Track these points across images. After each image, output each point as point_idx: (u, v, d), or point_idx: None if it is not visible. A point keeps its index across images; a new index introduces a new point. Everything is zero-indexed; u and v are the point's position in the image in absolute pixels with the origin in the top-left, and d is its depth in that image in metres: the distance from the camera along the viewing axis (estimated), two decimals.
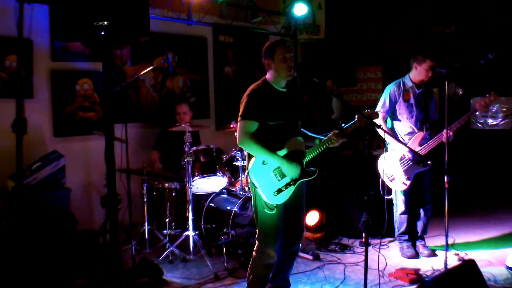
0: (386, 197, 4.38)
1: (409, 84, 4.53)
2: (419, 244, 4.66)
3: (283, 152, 3.25)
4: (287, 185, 3.25)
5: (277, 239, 3.30)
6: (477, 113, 4.54)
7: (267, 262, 3.32)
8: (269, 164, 3.25)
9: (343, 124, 3.29)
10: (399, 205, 4.60)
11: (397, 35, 7.80)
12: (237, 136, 3.25)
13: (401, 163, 4.46)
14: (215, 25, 6.37)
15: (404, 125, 4.53)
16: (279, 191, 3.23)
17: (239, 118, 3.24)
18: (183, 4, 5.71)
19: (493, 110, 7.19)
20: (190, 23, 5.79)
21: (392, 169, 4.49)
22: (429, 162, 4.39)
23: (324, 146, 3.31)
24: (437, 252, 4.61)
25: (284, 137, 3.28)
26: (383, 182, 4.44)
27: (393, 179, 4.48)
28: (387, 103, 4.53)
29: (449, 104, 3.90)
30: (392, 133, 4.55)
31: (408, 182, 4.43)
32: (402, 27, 7.76)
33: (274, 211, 3.23)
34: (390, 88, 4.58)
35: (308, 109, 7.48)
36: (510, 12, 6.93)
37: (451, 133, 4.18)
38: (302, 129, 3.51)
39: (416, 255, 4.55)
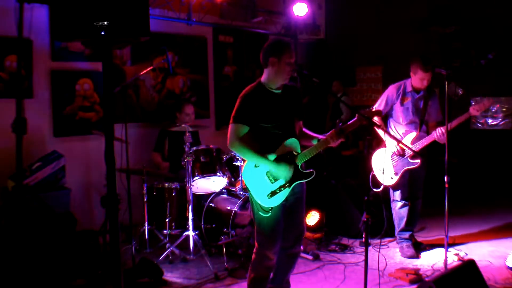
0: (374, 189, 4.41)
1: (409, 88, 4.56)
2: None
3: (275, 154, 3.23)
4: (281, 187, 3.23)
5: (275, 242, 3.27)
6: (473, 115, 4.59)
7: (266, 264, 3.31)
8: (261, 167, 3.24)
9: (340, 124, 3.28)
10: (397, 201, 4.65)
11: (397, 35, 7.80)
12: (228, 139, 3.24)
13: (392, 159, 4.54)
14: (215, 25, 6.37)
15: (400, 126, 4.61)
16: (273, 193, 3.21)
17: (230, 121, 3.23)
18: (183, 4, 5.71)
19: (493, 110, 7.19)
20: (190, 23, 5.78)
21: (384, 163, 4.56)
22: (418, 161, 4.42)
23: (323, 147, 3.28)
24: (436, 251, 4.62)
25: (278, 139, 3.26)
26: (373, 175, 4.53)
27: (383, 173, 4.55)
28: (383, 104, 4.59)
29: (449, 104, 3.90)
30: (391, 130, 4.64)
31: (396, 178, 4.51)
32: (402, 27, 7.76)
33: (270, 214, 3.21)
34: (389, 90, 4.63)
35: (312, 110, 7.48)
36: (510, 12, 6.94)
37: (443, 130, 4.20)
38: (304, 129, 3.49)
39: (416, 255, 4.55)
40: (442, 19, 7.43)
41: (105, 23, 2.42)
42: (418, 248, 4.68)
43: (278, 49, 3.20)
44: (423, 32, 7.55)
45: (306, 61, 8.01)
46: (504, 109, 7.13)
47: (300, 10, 6.52)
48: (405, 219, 4.64)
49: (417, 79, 4.45)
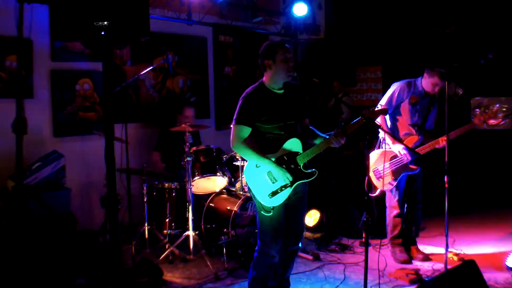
0: (370, 194, 4.30)
1: (420, 88, 4.38)
2: (412, 247, 4.58)
3: (277, 154, 3.24)
4: (283, 187, 3.23)
5: (278, 240, 3.29)
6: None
7: (269, 262, 3.32)
8: (262, 167, 3.24)
9: (343, 123, 3.27)
10: (393, 207, 4.49)
11: (397, 35, 7.79)
12: (230, 140, 3.27)
13: (391, 163, 4.36)
14: (215, 25, 6.37)
15: (402, 125, 4.43)
16: (274, 193, 3.22)
17: (232, 122, 3.26)
18: (183, 4, 5.71)
19: (493, 110, 7.18)
20: (190, 23, 5.78)
21: (382, 167, 4.37)
22: (416, 167, 4.29)
23: (325, 147, 3.26)
24: (436, 252, 4.61)
25: (281, 139, 3.26)
26: (369, 178, 4.32)
27: (380, 177, 4.38)
28: (393, 101, 4.37)
29: (449, 104, 3.89)
30: (391, 130, 4.45)
31: (394, 183, 4.34)
32: (402, 27, 7.75)
33: (271, 213, 3.22)
34: (400, 86, 4.40)
35: (312, 110, 7.47)
36: (510, 12, 6.93)
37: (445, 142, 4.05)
38: (310, 127, 3.46)
39: (409, 260, 4.45)
40: (442, 19, 7.42)
41: (105, 23, 2.42)
42: (414, 243, 4.59)
43: (270, 51, 3.24)
44: (423, 32, 7.54)
45: (306, 61, 8.00)
46: (504, 109, 7.12)
47: (300, 10, 6.53)
48: (399, 227, 4.50)
49: (430, 83, 4.29)
